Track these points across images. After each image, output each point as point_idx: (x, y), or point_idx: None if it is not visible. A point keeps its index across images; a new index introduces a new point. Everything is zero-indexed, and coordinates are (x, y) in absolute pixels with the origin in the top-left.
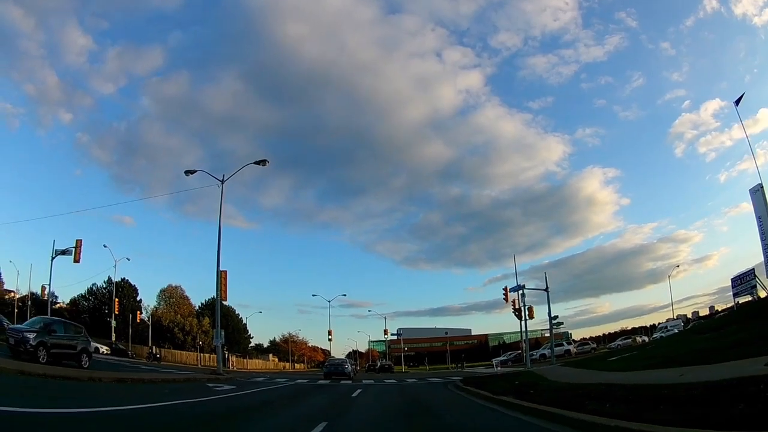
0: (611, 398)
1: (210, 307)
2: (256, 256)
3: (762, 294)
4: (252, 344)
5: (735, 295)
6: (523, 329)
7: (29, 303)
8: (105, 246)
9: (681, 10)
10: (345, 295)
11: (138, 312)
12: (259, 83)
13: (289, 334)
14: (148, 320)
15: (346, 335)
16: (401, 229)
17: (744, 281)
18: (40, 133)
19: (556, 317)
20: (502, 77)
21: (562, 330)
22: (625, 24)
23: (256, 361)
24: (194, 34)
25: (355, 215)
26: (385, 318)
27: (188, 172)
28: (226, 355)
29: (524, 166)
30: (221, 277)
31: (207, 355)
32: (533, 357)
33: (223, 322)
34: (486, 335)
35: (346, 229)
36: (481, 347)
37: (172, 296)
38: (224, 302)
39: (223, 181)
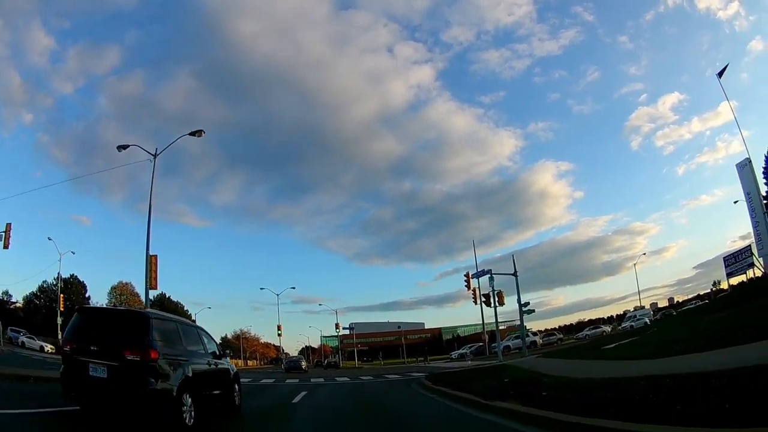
0: (693, 396)
1: (158, 303)
2: (209, 253)
3: (759, 272)
4: None
5: (729, 275)
6: (483, 319)
7: None
8: (49, 239)
9: (641, 5)
10: (294, 288)
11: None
12: (213, 81)
13: (241, 330)
14: None
15: (299, 331)
16: (352, 225)
17: (739, 259)
18: (3, 134)
19: (527, 304)
20: (453, 72)
21: (517, 322)
22: (582, 18)
23: None
24: (151, 33)
25: (306, 212)
26: (336, 312)
27: (120, 147)
28: None
29: (476, 160)
30: (150, 263)
31: None
32: (495, 349)
33: None
34: (439, 329)
35: (298, 225)
36: (435, 341)
37: (123, 293)
38: (156, 290)
39: (155, 156)
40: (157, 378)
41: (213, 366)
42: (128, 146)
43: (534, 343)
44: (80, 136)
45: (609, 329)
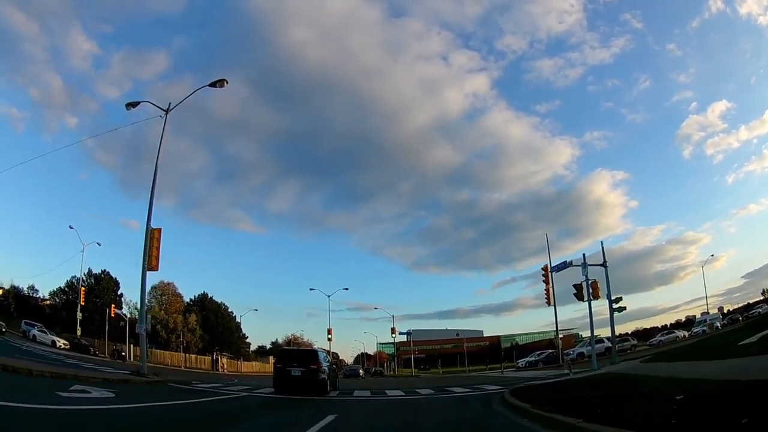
0: None
1: (198, 303)
2: (264, 260)
3: None
4: (255, 347)
5: None
6: (556, 323)
7: (10, 298)
8: (71, 227)
9: (686, 11)
10: (347, 289)
11: (112, 306)
12: (265, 87)
13: (292, 335)
14: (127, 317)
15: (355, 337)
16: (410, 233)
17: None
18: (45, 137)
19: (618, 299)
20: (508, 80)
21: (574, 331)
22: (631, 26)
23: (254, 363)
24: (198, 39)
25: (363, 220)
26: (393, 316)
27: (130, 105)
28: (215, 356)
29: (532, 169)
30: (152, 237)
31: (194, 356)
32: (570, 356)
33: (212, 320)
34: (498, 337)
35: (354, 233)
36: (494, 349)
37: (164, 293)
38: (155, 271)
39: (168, 111)
40: (320, 375)
41: (331, 367)
42: (139, 103)
43: (609, 349)
44: (128, 140)
45: (686, 334)
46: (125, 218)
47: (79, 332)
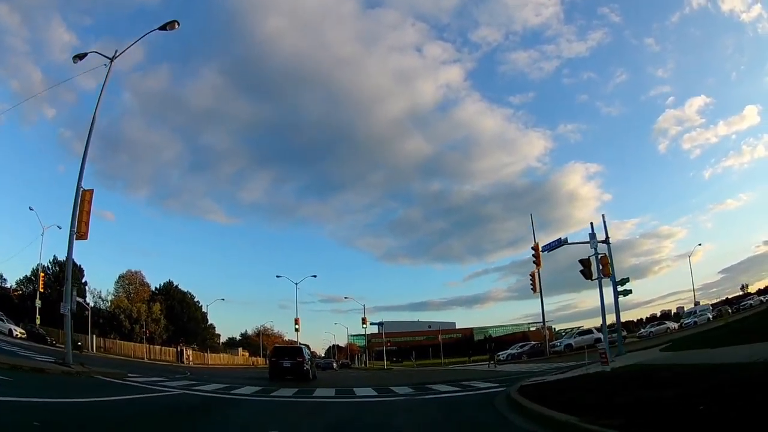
0: None
1: (163, 291)
2: (237, 251)
3: None
4: (225, 339)
5: None
6: (543, 312)
7: None
8: (31, 209)
9: (666, 6)
10: (315, 276)
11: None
12: (240, 78)
13: (263, 326)
14: (89, 306)
15: (326, 329)
16: (381, 224)
17: None
18: (25, 129)
19: (624, 281)
20: (482, 72)
21: (549, 323)
22: (609, 19)
23: (222, 355)
24: (174, 29)
25: (336, 210)
26: (364, 306)
27: (77, 57)
28: (179, 348)
29: (505, 161)
30: (82, 200)
31: (158, 348)
32: (556, 348)
33: (177, 309)
34: (471, 329)
35: (327, 224)
36: (467, 341)
37: (131, 283)
38: (84, 240)
39: (112, 59)
40: (304, 366)
41: (311, 360)
42: (86, 54)
43: (599, 339)
44: (104, 131)
45: (675, 326)
46: (101, 209)
47: (38, 321)
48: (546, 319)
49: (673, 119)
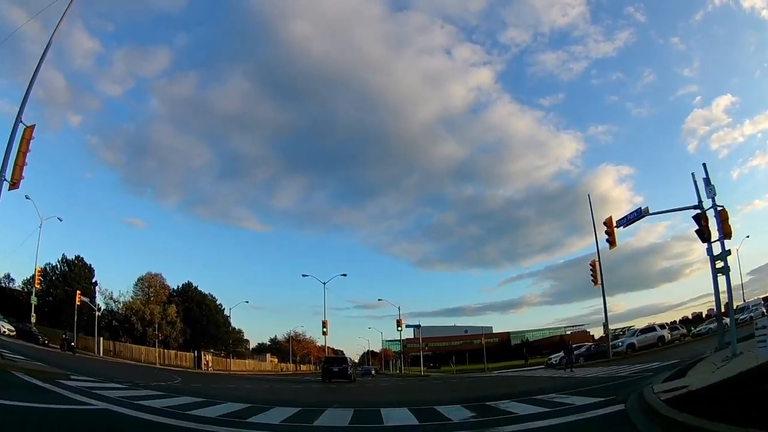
0: None
1: (181, 294)
2: (269, 258)
3: None
4: (254, 345)
5: None
6: (604, 302)
7: None
8: (27, 198)
9: (690, 4)
10: (345, 275)
11: (78, 293)
12: (267, 83)
13: (294, 331)
14: (98, 308)
15: (360, 335)
16: (416, 230)
17: None
18: (48, 135)
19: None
20: (512, 74)
21: (583, 328)
22: (634, 19)
23: (248, 361)
24: (200, 35)
25: (369, 217)
26: (399, 308)
27: None
28: (196, 354)
29: (537, 164)
30: (21, 138)
31: (173, 352)
32: (618, 348)
33: (195, 312)
34: (508, 333)
35: (360, 230)
36: (504, 345)
37: (150, 285)
38: (16, 189)
39: None
40: (348, 370)
41: (353, 366)
42: None
43: (661, 338)
44: (131, 137)
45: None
46: (129, 217)
47: (33, 319)
48: (580, 324)
49: (701, 119)
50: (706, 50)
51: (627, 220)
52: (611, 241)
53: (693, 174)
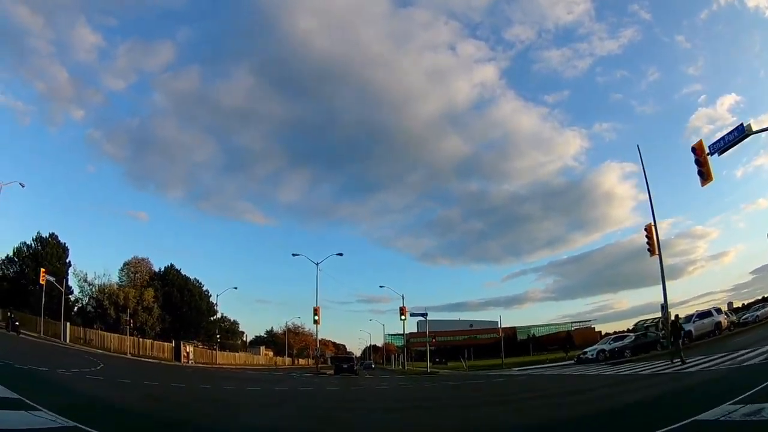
0: None
1: (162, 277)
2: (273, 251)
3: None
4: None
5: None
6: (664, 286)
7: None
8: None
9: (694, 3)
10: (341, 254)
11: (42, 271)
12: (272, 78)
13: (293, 324)
14: (69, 290)
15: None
16: (419, 224)
17: None
18: (51, 130)
19: None
20: (516, 71)
21: (591, 324)
22: (639, 16)
23: (239, 354)
24: (203, 29)
25: (372, 211)
26: (402, 296)
27: None
28: (175, 343)
29: (542, 160)
30: None
31: (149, 342)
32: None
33: (176, 297)
34: (514, 328)
35: (363, 224)
36: (510, 341)
37: (137, 271)
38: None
39: None
40: (354, 366)
41: (356, 361)
42: None
43: (719, 324)
44: (135, 131)
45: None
46: (132, 210)
47: None
48: (584, 320)
49: (705, 118)
50: (710, 49)
51: (725, 143)
52: (705, 173)
53: None
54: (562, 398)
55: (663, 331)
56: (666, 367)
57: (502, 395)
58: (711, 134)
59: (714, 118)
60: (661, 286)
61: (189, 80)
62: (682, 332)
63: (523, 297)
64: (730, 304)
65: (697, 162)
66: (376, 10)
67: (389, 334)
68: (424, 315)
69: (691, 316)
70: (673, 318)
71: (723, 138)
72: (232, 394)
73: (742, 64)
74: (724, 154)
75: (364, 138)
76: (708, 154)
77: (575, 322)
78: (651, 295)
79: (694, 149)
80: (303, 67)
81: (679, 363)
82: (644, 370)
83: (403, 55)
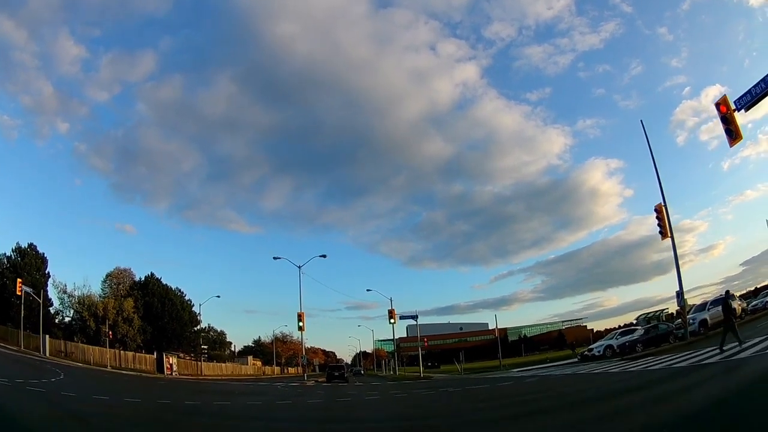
0: None
1: (142, 287)
2: (259, 260)
3: None
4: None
5: None
6: (678, 267)
7: None
8: None
9: None
10: (325, 256)
11: (19, 281)
12: (254, 85)
13: (280, 332)
14: (48, 302)
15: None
16: (405, 228)
17: None
18: (38, 143)
19: None
20: (498, 69)
21: (582, 322)
22: (620, 9)
23: (226, 365)
24: (185, 38)
25: (358, 216)
26: (390, 299)
27: None
28: (157, 355)
29: (525, 159)
30: None
31: (131, 354)
32: (691, 326)
33: (157, 307)
34: (505, 329)
35: (350, 230)
36: (501, 342)
37: (120, 281)
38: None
39: None
40: (345, 374)
41: (347, 368)
42: None
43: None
44: (120, 143)
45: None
46: (119, 223)
47: None
48: (573, 319)
49: (690, 110)
50: (694, 40)
51: (752, 96)
52: (734, 132)
53: None
54: (620, 399)
55: (678, 321)
56: (707, 356)
57: (532, 402)
58: (696, 127)
59: (699, 111)
60: (647, 282)
61: (172, 89)
62: (734, 315)
63: (511, 298)
64: (727, 292)
65: (723, 120)
66: (356, 12)
67: (379, 340)
68: (415, 317)
69: (705, 304)
70: (722, 294)
71: (750, 91)
72: (181, 413)
73: (727, 54)
74: (716, 146)
75: (347, 142)
76: (734, 110)
77: (565, 321)
78: (641, 291)
79: (717, 105)
80: (285, 73)
81: (720, 350)
82: (675, 363)
83: (385, 57)
